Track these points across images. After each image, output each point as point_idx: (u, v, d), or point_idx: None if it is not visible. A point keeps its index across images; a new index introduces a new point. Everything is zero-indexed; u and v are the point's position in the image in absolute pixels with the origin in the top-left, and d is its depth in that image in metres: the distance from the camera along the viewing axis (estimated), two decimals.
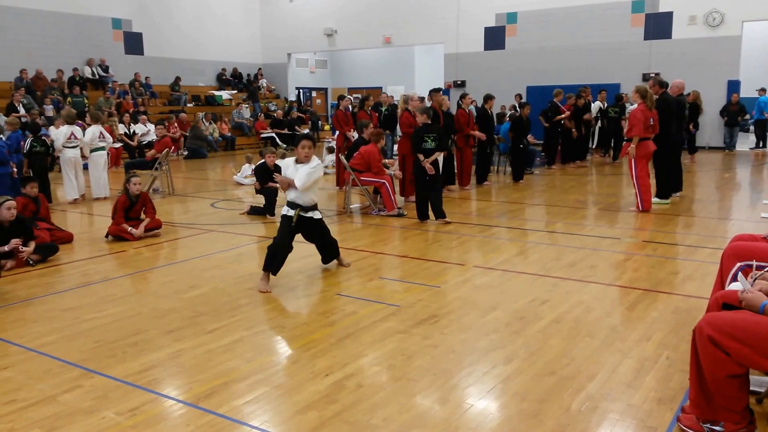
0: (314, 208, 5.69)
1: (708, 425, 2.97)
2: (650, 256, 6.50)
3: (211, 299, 5.20)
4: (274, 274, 5.53)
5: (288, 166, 5.61)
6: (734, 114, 17.55)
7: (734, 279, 3.56)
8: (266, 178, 8.94)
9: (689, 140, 15.91)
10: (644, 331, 4.36)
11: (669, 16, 18.33)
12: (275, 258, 5.46)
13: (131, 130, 17.40)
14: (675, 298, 5.09)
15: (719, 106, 17.80)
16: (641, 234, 7.60)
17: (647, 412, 3.24)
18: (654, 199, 9.19)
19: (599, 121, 15.97)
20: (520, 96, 19.22)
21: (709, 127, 17.93)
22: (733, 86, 17.73)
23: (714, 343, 2.82)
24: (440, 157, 8.58)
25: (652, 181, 9.21)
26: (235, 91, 23.97)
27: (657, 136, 8.91)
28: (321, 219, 5.79)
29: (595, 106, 15.74)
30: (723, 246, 5.33)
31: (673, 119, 9.31)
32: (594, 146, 16.63)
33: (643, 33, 18.75)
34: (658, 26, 18.49)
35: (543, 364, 3.83)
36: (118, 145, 10.93)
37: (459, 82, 21.77)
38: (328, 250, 6.01)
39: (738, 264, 3.66)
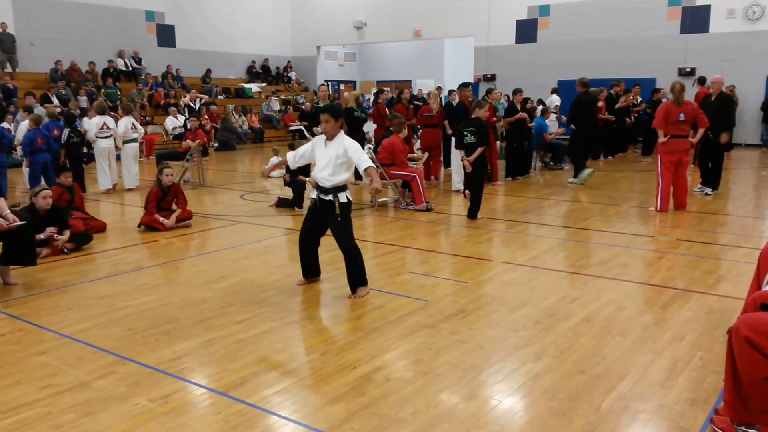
0: (339, 189, 4.92)
1: (743, 428, 2.91)
2: (684, 255, 6.37)
3: (241, 290, 5.26)
4: (304, 276, 5.38)
5: (318, 142, 5.06)
6: None
7: None
8: (296, 170, 8.97)
9: None
10: (677, 331, 4.28)
11: (706, 9, 17.88)
12: (301, 259, 5.30)
13: (197, 105, 16.68)
14: (709, 298, 4.98)
15: (758, 102, 17.34)
16: (675, 232, 7.45)
17: (680, 413, 3.18)
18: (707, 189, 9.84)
19: (630, 117, 15.72)
20: (556, 90, 19.02)
21: (746, 124, 17.47)
22: None
23: (751, 344, 2.75)
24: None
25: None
26: (265, 84, 24.12)
27: (713, 133, 8.93)
28: (339, 214, 4.93)
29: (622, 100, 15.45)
30: (759, 246, 5.20)
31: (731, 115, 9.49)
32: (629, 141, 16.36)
33: (679, 26, 18.33)
34: (695, 20, 18.05)
35: (573, 362, 3.78)
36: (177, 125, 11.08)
37: (489, 76, 21.57)
38: (346, 263, 5.04)
39: None
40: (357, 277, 5.06)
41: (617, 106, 14.70)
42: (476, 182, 8.02)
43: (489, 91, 11.24)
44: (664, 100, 15.81)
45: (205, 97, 17.21)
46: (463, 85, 10.89)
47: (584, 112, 11.01)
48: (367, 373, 3.65)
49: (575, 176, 11.15)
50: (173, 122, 17.72)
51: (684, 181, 8.66)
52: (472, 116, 8.11)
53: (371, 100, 20.04)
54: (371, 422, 3.11)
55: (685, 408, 3.23)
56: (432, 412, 3.20)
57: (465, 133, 7.96)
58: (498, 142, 12.84)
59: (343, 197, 4.96)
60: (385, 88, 17.26)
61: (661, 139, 8.45)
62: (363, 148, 9.65)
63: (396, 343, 4.09)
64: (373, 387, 3.47)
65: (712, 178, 9.93)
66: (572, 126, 11.24)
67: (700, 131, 8.64)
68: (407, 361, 3.83)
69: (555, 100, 18.39)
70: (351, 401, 3.32)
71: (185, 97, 16.17)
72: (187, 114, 15.21)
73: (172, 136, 17.53)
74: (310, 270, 5.40)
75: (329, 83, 26.85)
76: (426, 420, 3.12)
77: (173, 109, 18.34)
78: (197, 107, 15.91)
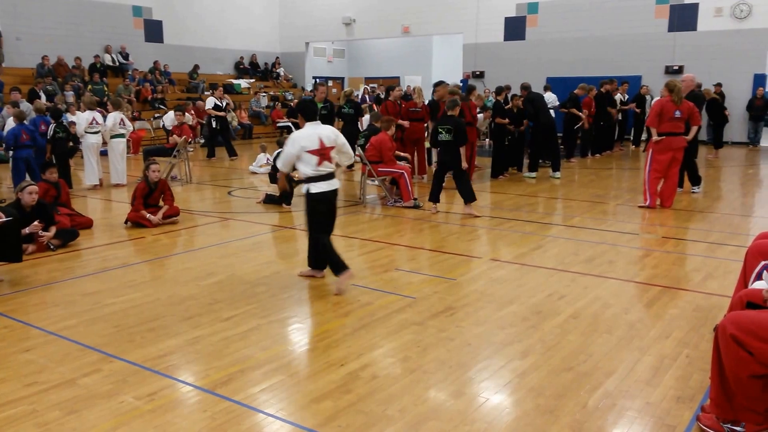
0: (306, 180, 5.15)
1: (728, 425, 2.93)
2: (670, 252, 6.42)
3: (228, 287, 5.23)
4: (313, 267, 5.49)
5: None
6: (759, 108, 17.23)
7: (758, 277, 3.49)
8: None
9: (715, 136, 15.69)
10: (663, 328, 4.31)
11: (694, 7, 18.01)
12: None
13: (223, 103, 16.57)
14: (696, 295, 5.02)
15: (744, 100, 17.48)
16: (661, 230, 7.50)
17: (666, 411, 3.20)
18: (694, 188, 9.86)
19: (619, 114, 15.82)
20: (549, 87, 19.07)
21: (734, 122, 17.61)
22: (760, 80, 17.39)
23: (737, 342, 2.77)
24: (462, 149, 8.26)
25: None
26: (253, 80, 24.01)
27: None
28: (306, 199, 5.19)
29: (616, 98, 15.54)
30: (746, 243, 5.24)
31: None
32: (615, 138, 16.44)
33: (667, 24, 18.44)
34: (683, 18, 18.17)
35: (560, 359, 3.80)
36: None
37: (477, 73, 21.60)
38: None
39: (762, 262, 3.58)
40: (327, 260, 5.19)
41: (620, 107, 14.83)
42: (460, 172, 8.18)
43: (471, 90, 11.28)
44: (648, 97, 15.99)
45: (227, 97, 16.91)
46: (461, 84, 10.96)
47: (536, 107, 11.72)
48: (354, 370, 3.65)
49: (530, 170, 11.88)
50: (172, 120, 17.47)
51: (674, 180, 8.70)
52: (448, 114, 8.19)
53: (382, 96, 19.94)
54: (358, 419, 3.10)
55: (672, 405, 3.25)
56: (419, 410, 3.20)
57: (440, 130, 8.12)
58: (487, 140, 12.88)
59: (304, 189, 5.19)
60: (398, 86, 17.21)
61: (655, 138, 8.46)
62: (355, 144, 9.65)
63: (383, 341, 4.09)
64: (360, 384, 3.47)
65: (692, 175, 9.98)
66: (530, 123, 11.97)
67: (693, 129, 8.67)
68: (394, 358, 3.83)
69: (550, 98, 18.41)
70: (338, 398, 3.31)
71: (210, 94, 15.89)
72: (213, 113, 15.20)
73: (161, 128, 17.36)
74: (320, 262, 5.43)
75: (317, 79, 26.78)
76: (413, 417, 3.13)
77: (189, 106, 17.84)
78: (224, 105, 15.78)
